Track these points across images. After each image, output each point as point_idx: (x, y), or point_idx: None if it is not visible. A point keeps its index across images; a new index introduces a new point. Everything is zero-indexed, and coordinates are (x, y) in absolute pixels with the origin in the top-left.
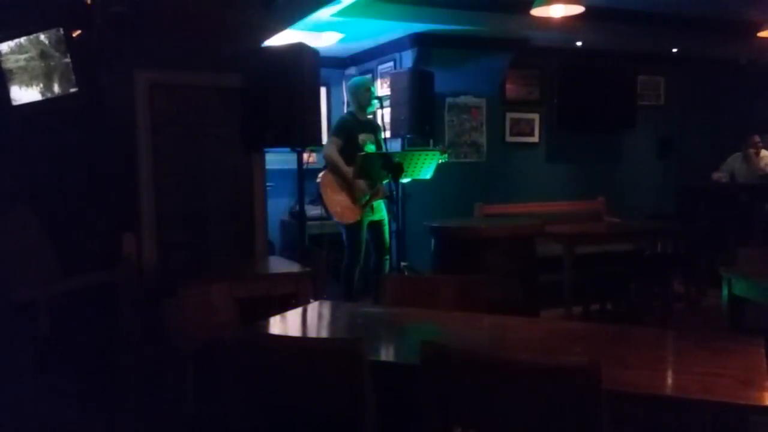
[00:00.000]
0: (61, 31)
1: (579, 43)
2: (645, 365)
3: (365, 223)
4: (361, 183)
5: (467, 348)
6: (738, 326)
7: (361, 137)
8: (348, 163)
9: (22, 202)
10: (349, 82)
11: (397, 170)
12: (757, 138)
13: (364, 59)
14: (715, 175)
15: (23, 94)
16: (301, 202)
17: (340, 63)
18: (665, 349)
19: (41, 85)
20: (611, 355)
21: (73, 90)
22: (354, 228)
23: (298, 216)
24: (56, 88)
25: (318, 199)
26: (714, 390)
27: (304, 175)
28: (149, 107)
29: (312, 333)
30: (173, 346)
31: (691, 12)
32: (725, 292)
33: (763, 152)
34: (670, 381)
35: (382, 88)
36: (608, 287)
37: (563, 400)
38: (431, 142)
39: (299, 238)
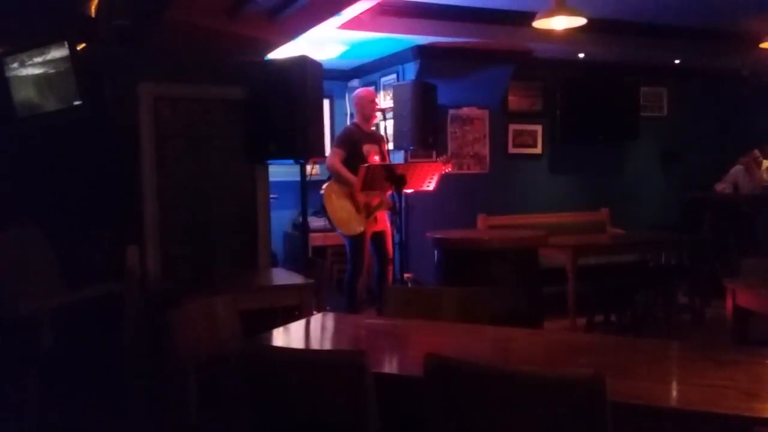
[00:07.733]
0: (66, 44)
1: (581, 55)
2: (649, 377)
3: (369, 234)
4: (365, 194)
5: (471, 360)
6: (742, 337)
7: (366, 148)
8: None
9: (25, 215)
10: (354, 93)
11: (401, 182)
12: (756, 152)
13: (367, 71)
14: (719, 186)
15: (28, 107)
16: (304, 213)
17: (343, 75)
18: (670, 360)
19: (45, 98)
20: (615, 367)
21: (77, 103)
22: (357, 239)
23: (302, 228)
24: (60, 101)
25: (321, 211)
26: (719, 402)
27: (308, 186)
28: (153, 120)
29: (315, 345)
30: (177, 358)
31: (694, 23)
32: (729, 303)
33: (766, 163)
34: (674, 393)
35: (385, 100)
36: (612, 298)
37: (567, 412)
38: (434, 153)
39: (302, 249)
